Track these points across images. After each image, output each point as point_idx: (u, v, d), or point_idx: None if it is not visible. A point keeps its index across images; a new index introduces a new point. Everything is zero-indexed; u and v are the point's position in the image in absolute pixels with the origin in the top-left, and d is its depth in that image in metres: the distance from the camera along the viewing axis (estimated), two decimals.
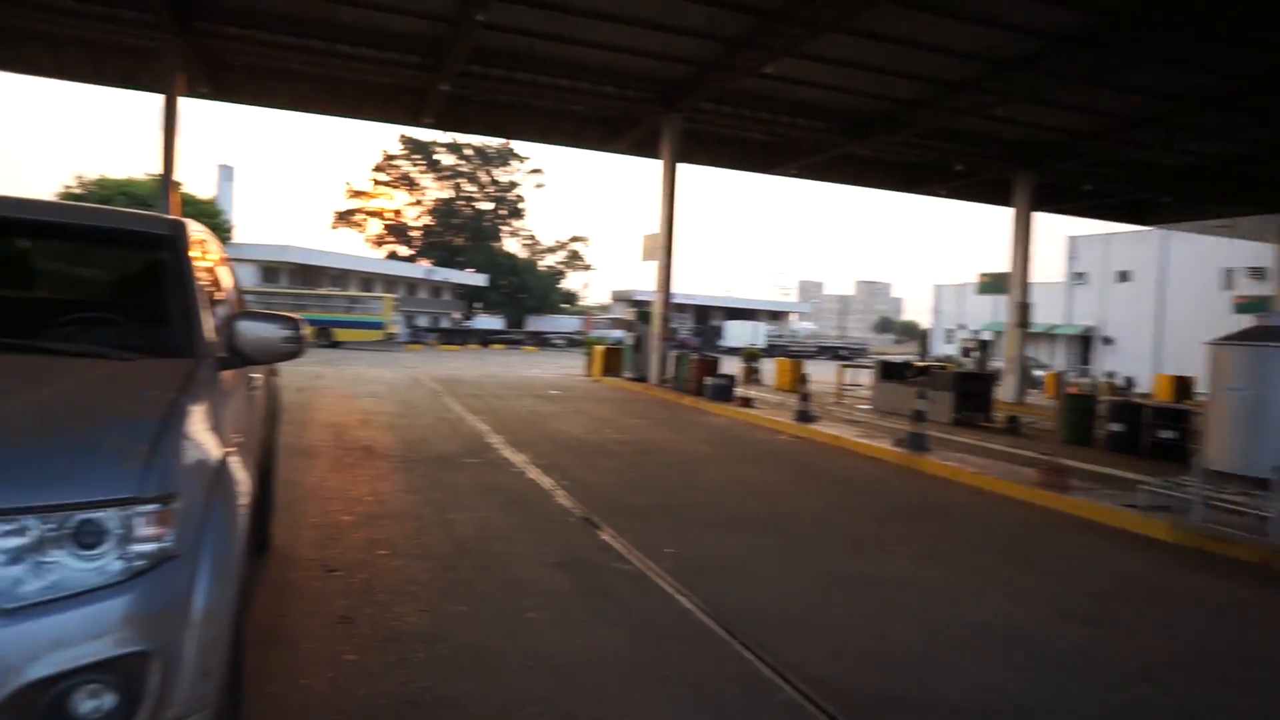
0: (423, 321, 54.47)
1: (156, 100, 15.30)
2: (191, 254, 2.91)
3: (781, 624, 4.17)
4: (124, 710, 1.59)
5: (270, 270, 47.74)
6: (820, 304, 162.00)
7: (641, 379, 19.63)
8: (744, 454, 10.18)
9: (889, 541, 6.08)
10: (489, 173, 65.68)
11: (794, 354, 39.49)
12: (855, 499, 7.74)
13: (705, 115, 18.03)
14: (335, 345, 35.89)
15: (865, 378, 20.21)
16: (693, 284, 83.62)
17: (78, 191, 30.74)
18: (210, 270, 3.40)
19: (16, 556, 1.55)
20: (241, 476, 2.15)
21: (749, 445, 10.97)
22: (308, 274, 49.32)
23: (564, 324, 59.51)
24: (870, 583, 4.95)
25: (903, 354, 41.15)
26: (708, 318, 62.89)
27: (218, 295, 3.39)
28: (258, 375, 3.55)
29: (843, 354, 53.02)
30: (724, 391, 15.70)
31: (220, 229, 33.54)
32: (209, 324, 2.70)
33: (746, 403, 14.93)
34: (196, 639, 1.71)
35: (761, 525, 6.35)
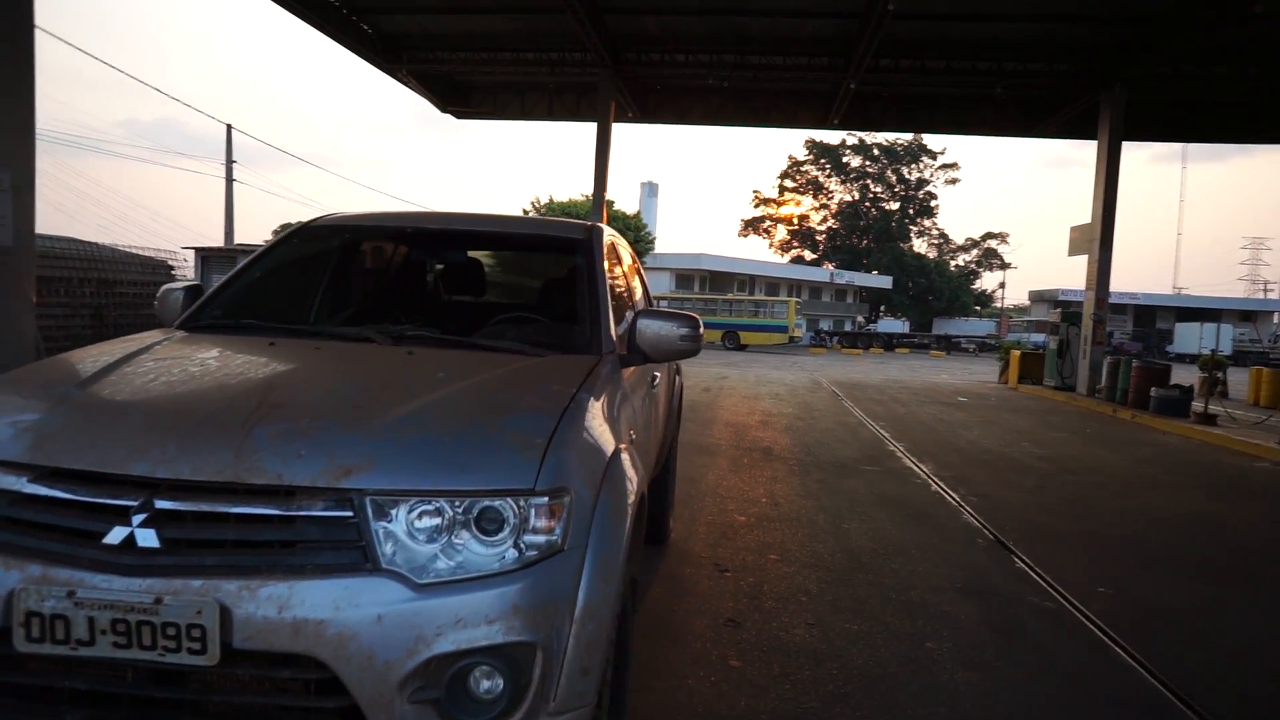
0: (825, 325, 54.73)
1: (592, 129, 17.30)
2: (602, 257, 3.07)
3: (1259, 706, 3.22)
4: (512, 696, 1.63)
5: (685, 278, 51.63)
6: None
7: (1066, 388, 17.38)
8: (1201, 481, 8.37)
9: None
10: (897, 172, 63.80)
11: (1277, 362, 32.01)
12: None
13: (1158, 81, 15.33)
14: (741, 348, 37.59)
15: None
16: (1131, 280, 72.47)
17: (532, 215, 36.27)
18: (619, 272, 3.58)
19: (432, 536, 1.66)
20: (633, 474, 2.15)
21: (1209, 471, 9.01)
22: (718, 280, 52.42)
23: (975, 327, 55.57)
24: None
25: None
26: (1151, 319, 53.98)
27: (625, 295, 3.56)
28: (660, 373, 3.67)
29: None
30: (1176, 405, 13.18)
31: (643, 241, 37.09)
32: (613, 322, 2.80)
33: (1207, 419, 12.36)
34: (576, 635, 1.71)
35: (1225, 571, 5.08)
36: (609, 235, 3.43)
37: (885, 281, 59.07)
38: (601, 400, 2.25)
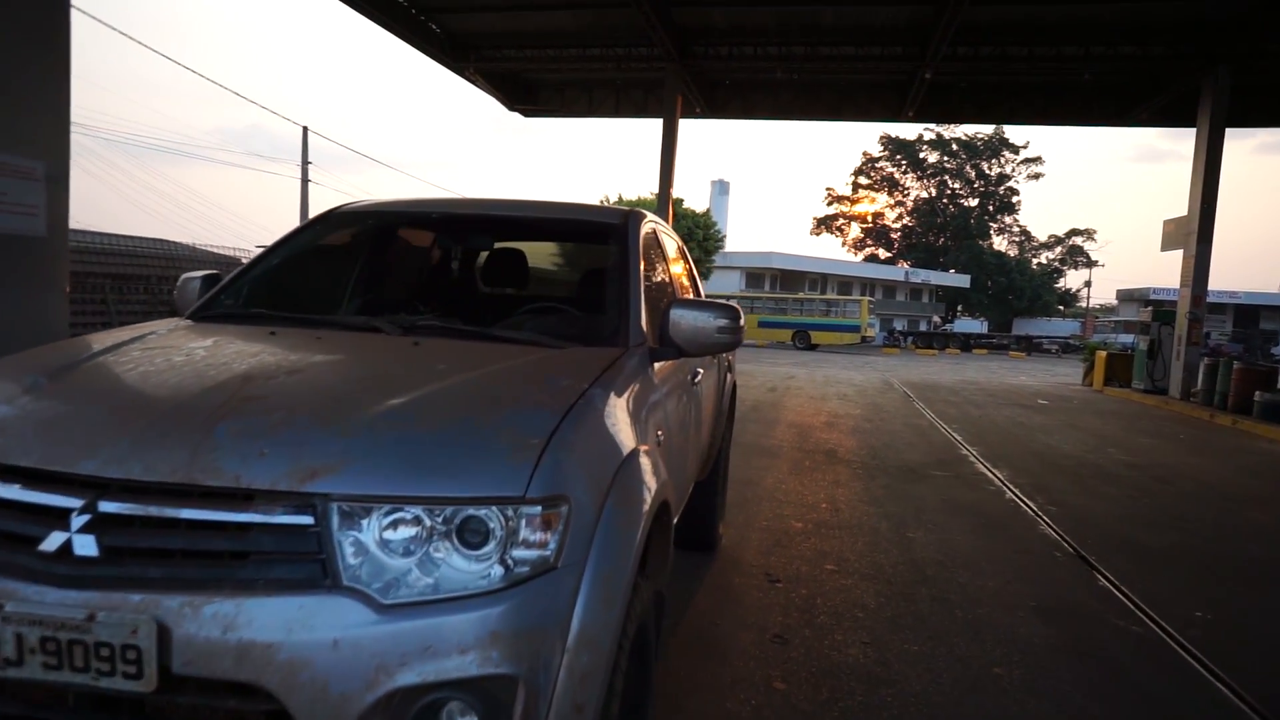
0: (899, 325, 53.41)
1: (660, 125, 17.08)
2: (638, 244, 2.85)
3: None
4: None
5: (755, 276, 51.04)
6: None
7: (1157, 391, 16.40)
8: None
9: None
10: (977, 167, 61.80)
11: None
12: None
13: (1267, 62, 14.28)
14: (812, 348, 36.89)
15: None
16: (1233, 279, 68.67)
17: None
18: (661, 262, 3.35)
19: (408, 548, 1.47)
20: (652, 479, 1.93)
21: None
22: (788, 279, 51.66)
23: (1058, 327, 53.49)
24: None
25: None
26: (1254, 319, 50.94)
27: (666, 286, 3.33)
28: (703, 369, 3.43)
29: None
30: None
31: (712, 239, 36.70)
32: (643, 313, 2.58)
33: None
34: (569, 666, 1.49)
35: None
36: (649, 223, 3.20)
37: (963, 280, 57.26)
38: (620, 397, 2.03)
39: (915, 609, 3.94)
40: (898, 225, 64.94)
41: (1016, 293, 58.33)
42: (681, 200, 36.20)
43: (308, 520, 1.45)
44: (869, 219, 65.30)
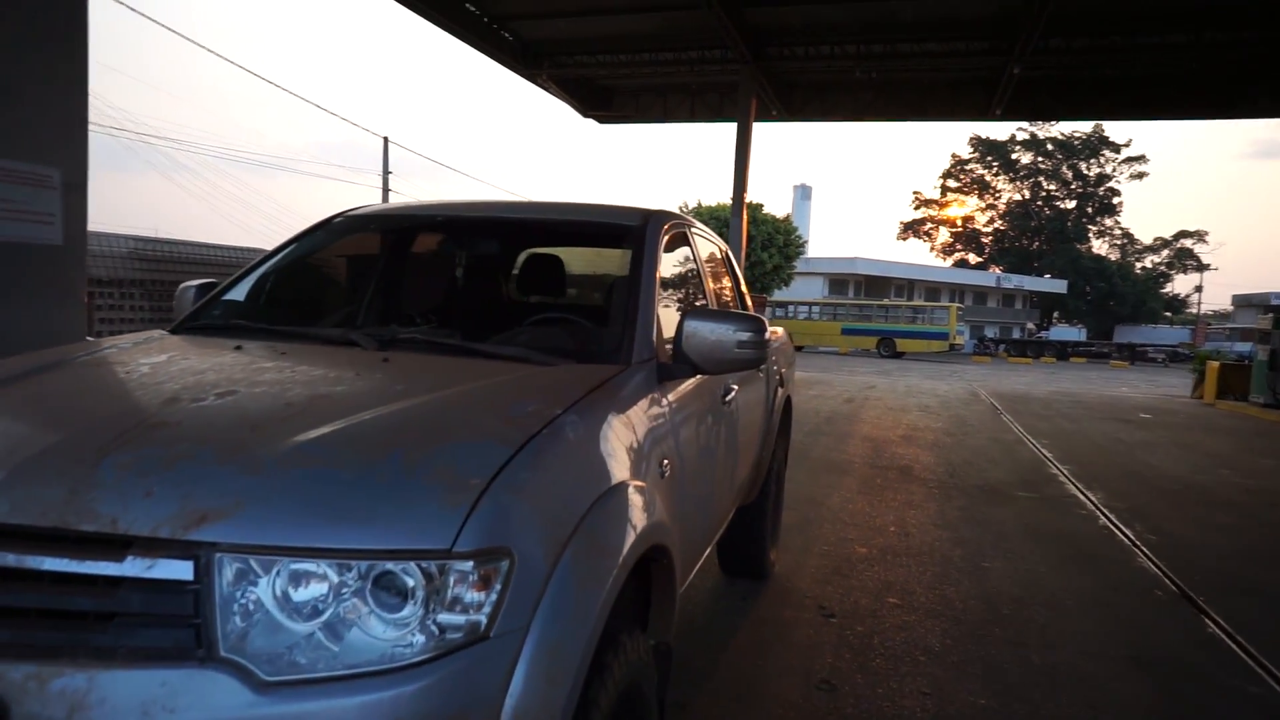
0: (990, 332, 51.48)
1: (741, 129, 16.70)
2: (656, 247, 2.56)
3: None
4: None
5: (838, 282, 49.96)
6: None
7: (1279, 405, 15.09)
8: None
9: None
10: (1074, 167, 59.07)
11: None
12: None
13: None
14: (897, 356, 35.77)
15: None
16: None
17: None
18: (691, 268, 3.05)
19: (312, 611, 1.21)
20: (639, 518, 1.64)
21: None
22: (873, 285, 50.40)
23: (1164, 335, 50.54)
24: None
25: None
26: None
27: (693, 295, 3.02)
28: (738, 385, 3.10)
29: None
30: None
31: (793, 245, 35.97)
32: (654, 325, 2.28)
33: None
34: None
35: None
36: (677, 226, 2.89)
37: (1059, 286, 54.72)
38: (604, 423, 1.74)
39: (986, 653, 3.51)
40: (989, 229, 62.62)
41: (1118, 299, 55.41)
42: (761, 206, 35.60)
43: (185, 575, 1.20)
44: (958, 223, 63.19)
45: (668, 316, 2.44)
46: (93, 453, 1.36)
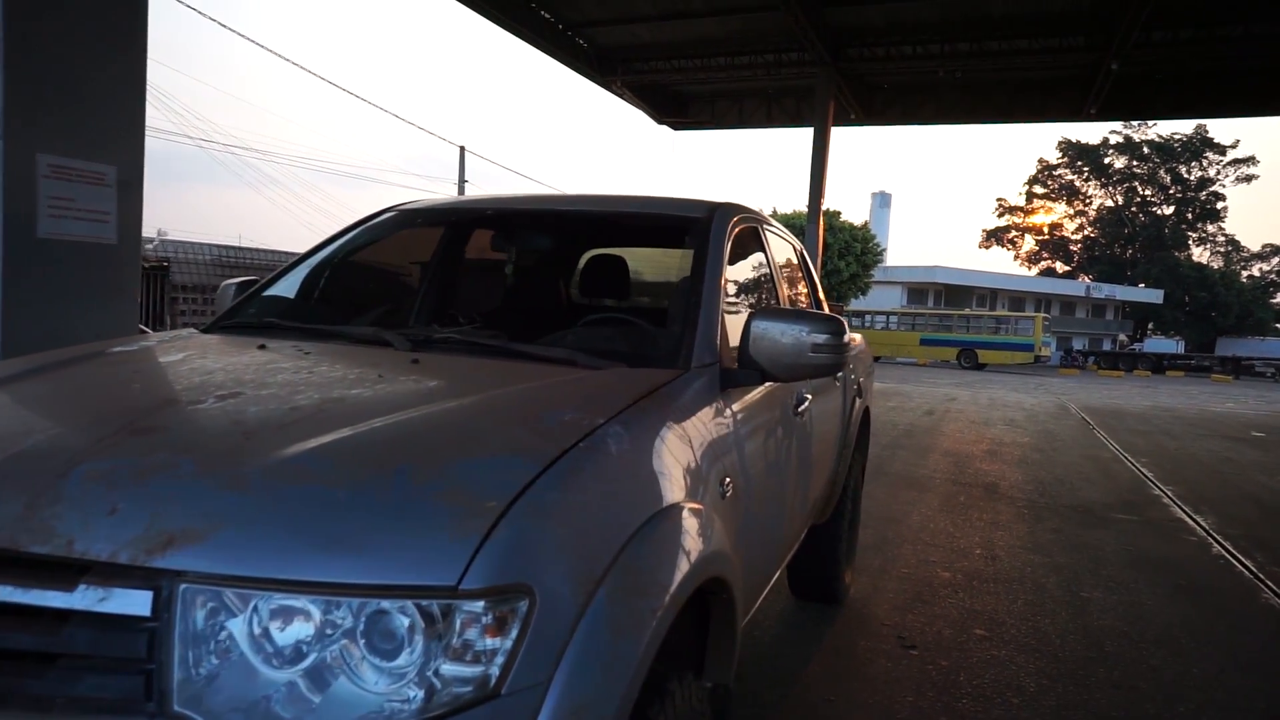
0: (1078, 344, 49.36)
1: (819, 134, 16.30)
2: (723, 243, 2.33)
3: None
4: None
5: (917, 291, 48.66)
6: None
7: None
8: None
9: None
10: (1173, 171, 56.23)
11: None
12: None
13: None
14: (979, 367, 34.55)
15: None
16: None
17: None
18: (761, 267, 2.81)
19: (290, 654, 1.02)
20: (694, 549, 1.41)
21: None
22: (953, 294, 48.93)
23: (1274, 348, 47.54)
24: None
25: None
26: None
27: (766, 297, 2.78)
28: (812, 394, 2.84)
29: None
30: None
31: (871, 253, 35.17)
32: (718, 327, 2.05)
33: None
34: None
35: None
36: (747, 220, 2.66)
37: (1154, 295, 52.06)
38: (656, 435, 1.52)
39: (1089, 698, 3.14)
40: (1078, 237, 60.11)
41: (1221, 309, 52.37)
42: (839, 213, 34.90)
43: (141, 610, 1.02)
44: (1045, 230, 60.85)
45: (737, 321, 2.21)
46: (64, 461, 1.20)
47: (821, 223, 16.35)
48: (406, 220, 2.73)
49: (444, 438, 1.33)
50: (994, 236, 62.01)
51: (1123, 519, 6.32)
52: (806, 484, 2.80)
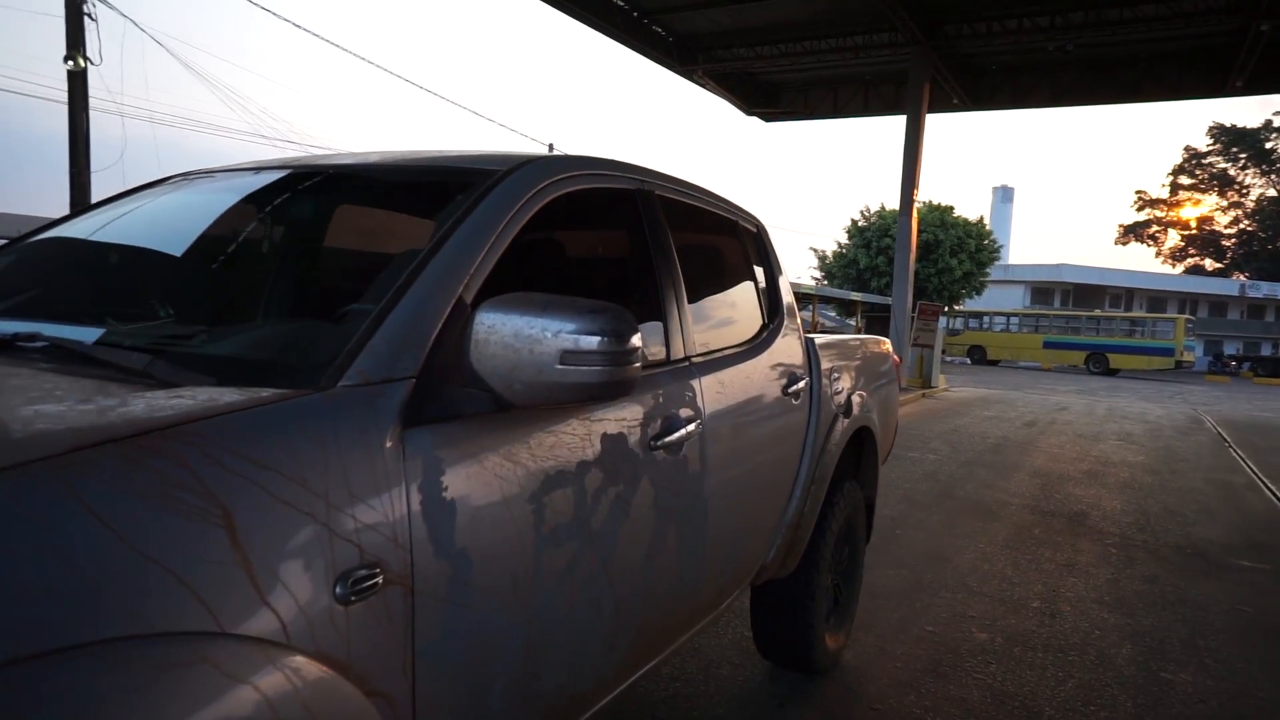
0: (1231, 349, 45.00)
1: (928, 125, 15.08)
2: (508, 207, 1.56)
3: None
4: None
5: (1042, 291, 45.59)
6: None
7: None
8: None
9: None
10: None
11: None
12: None
13: None
14: (1111, 373, 31.85)
15: None
16: None
17: (861, 224, 33.72)
18: (637, 251, 2.08)
19: None
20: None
21: None
22: (1082, 294, 45.60)
23: None
24: None
25: None
26: None
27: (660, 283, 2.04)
28: (712, 412, 2.07)
29: None
30: None
31: (987, 250, 32.96)
32: (430, 322, 1.31)
33: None
34: None
35: None
36: (586, 177, 1.85)
37: None
38: (105, 510, 0.84)
39: None
40: (1231, 230, 54.86)
41: None
42: (951, 208, 32.88)
43: None
44: (1192, 225, 55.86)
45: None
46: None
47: (915, 215, 15.10)
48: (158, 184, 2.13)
49: None
50: (1132, 232, 57.48)
51: (1245, 566, 5.13)
52: (697, 538, 2.02)
